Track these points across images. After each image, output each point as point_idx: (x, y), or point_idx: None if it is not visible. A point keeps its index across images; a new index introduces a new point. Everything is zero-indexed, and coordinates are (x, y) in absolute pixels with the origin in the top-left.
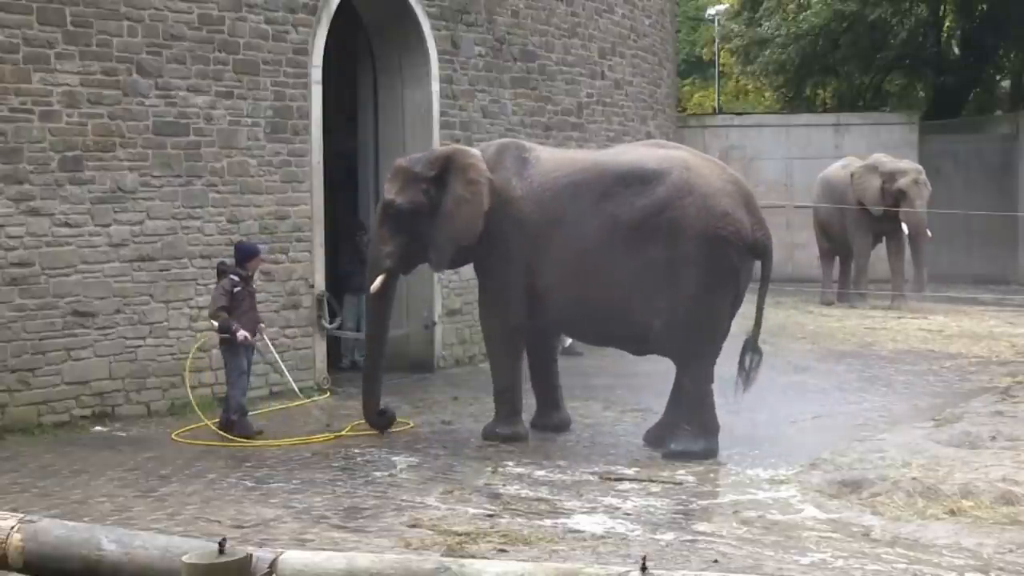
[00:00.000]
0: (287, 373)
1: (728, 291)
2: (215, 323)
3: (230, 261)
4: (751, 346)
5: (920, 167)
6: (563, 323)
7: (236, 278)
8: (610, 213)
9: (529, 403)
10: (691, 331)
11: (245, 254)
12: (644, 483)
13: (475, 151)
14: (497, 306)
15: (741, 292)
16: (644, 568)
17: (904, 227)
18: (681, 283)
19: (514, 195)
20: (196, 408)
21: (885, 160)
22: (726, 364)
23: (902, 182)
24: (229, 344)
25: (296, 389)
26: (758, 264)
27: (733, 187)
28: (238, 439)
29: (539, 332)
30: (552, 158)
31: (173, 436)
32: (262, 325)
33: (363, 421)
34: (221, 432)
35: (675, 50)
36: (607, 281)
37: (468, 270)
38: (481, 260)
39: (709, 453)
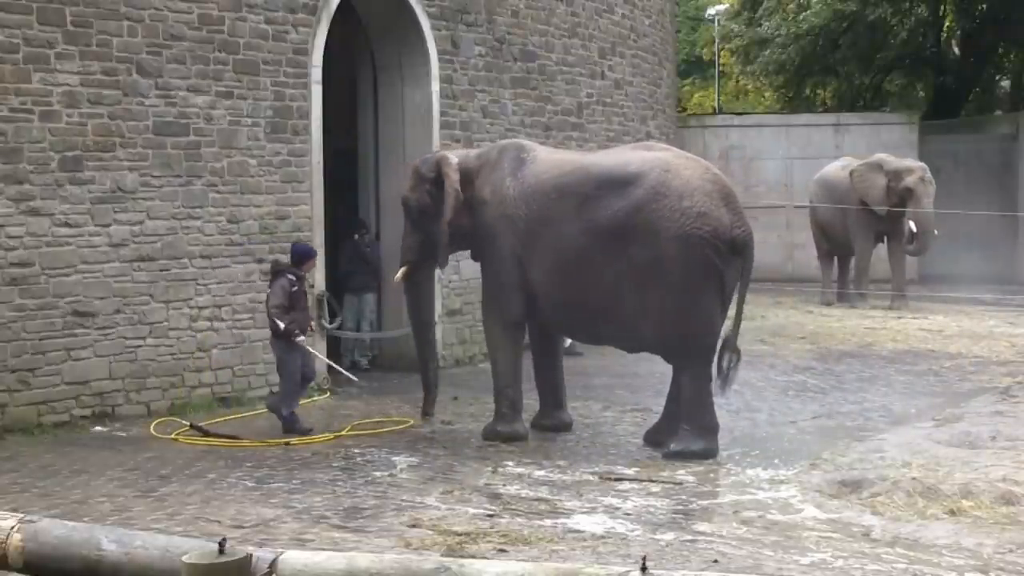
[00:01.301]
0: (337, 366)
1: (713, 289)
2: (280, 323)
3: (284, 259)
4: (730, 345)
5: (925, 165)
6: (556, 322)
7: (293, 278)
8: (591, 215)
9: (530, 403)
10: (682, 332)
11: (302, 255)
12: (644, 483)
13: (455, 160)
14: (495, 304)
15: (728, 290)
16: (644, 568)
17: (912, 225)
18: (665, 284)
19: (507, 194)
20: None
21: (889, 159)
22: None
23: (909, 180)
24: (286, 342)
25: (350, 376)
26: None
27: (712, 186)
28: (233, 439)
29: (543, 331)
30: (547, 159)
31: (174, 435)
32: (313, 323)
33: (363, 421)
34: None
35: (675, 50)
36: (593, 282)
37: (468, 271)
38: (480, 258)
39: (709, 453)
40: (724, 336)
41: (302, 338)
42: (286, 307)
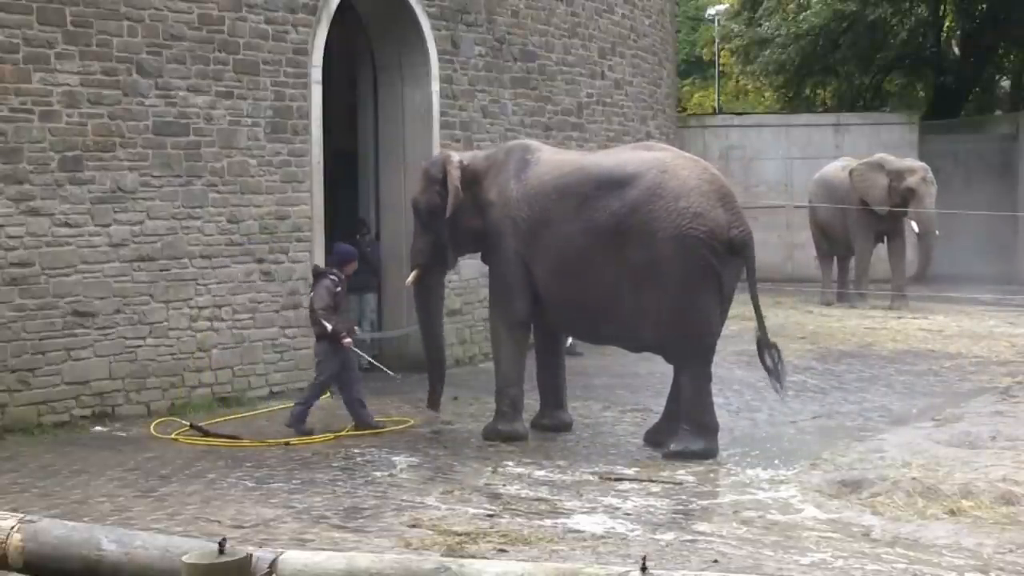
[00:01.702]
0: (383, 366)
1: (711, 290)
2: (327, 324)
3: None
4: (765, 343)
5: (926, 165)
6: (559, 321)
7: (336, 279)
8: (590, 216)
9: (530, 403)
10: (681, 332)
11: (345, 257)
12: (644, 483)
13: (457, 158)
14: (500, 304)
15: (727, 291)
16: (644, 568)
17: (914, 225)
18: (663, 285)
19: (511, 196)
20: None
21: (890, 159)
22: (727, 367)
23: (911, 180)
24: (330, 344)
25: (389, 372)
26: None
27: (709, 186)
28: (233, 439)
29: (546, 331)
30: (550, 160)
31: (174, 435)
32: (356, 327)
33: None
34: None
35: (675, 50)
36: (593, 282)
37: (468, 271)
38: (487, 259)
39: (709, 453)
40: (756, 338)
41: (349, 340)
42: (333, 308)
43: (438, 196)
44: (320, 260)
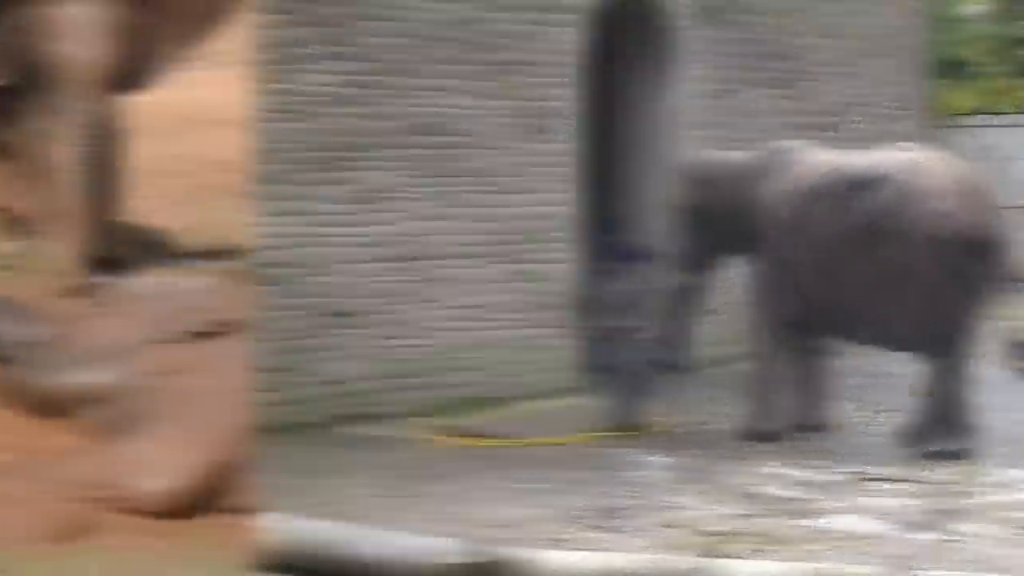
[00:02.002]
0: None
1: (962, 290)
2: None
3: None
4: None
5: None
6: (819, 323)
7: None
8: (843, 217)
9: (785, 403)
10: (933, 332)
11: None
12: (900, 483)
13: (724, 159)
14: (763, 305)
15: (981, 291)
16: (904, 569)
17: None
18: (914, 285)
19: (773, 198)
20: None
21: None
22: (984, 367)
23: None
24: None
25: None
26: None
27: (960, 186)
28: (486, 438)
29: (806, 331)
30: (809, 162)
31: (431, 437)
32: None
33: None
34: None
35: (930, 51)
36: (849, 283)
37: (727, 270)
38: (751, 260)
39: (967, 452)
40: (1013, 338)
41: None
42: None
43: (706, 197)
44: (570, 262)
